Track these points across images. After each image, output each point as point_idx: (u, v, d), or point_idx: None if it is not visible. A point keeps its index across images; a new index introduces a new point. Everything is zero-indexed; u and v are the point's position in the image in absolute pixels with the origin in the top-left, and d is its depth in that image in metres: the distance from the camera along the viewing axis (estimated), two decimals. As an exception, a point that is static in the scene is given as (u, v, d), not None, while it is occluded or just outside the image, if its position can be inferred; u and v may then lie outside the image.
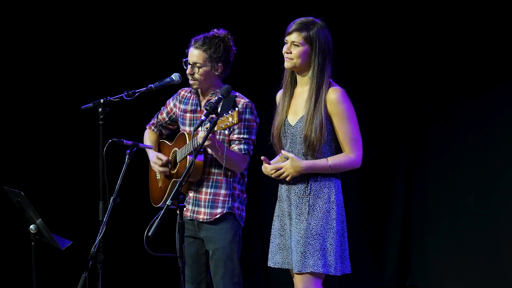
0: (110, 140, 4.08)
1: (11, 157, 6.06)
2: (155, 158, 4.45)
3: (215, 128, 3.88)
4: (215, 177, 4.28)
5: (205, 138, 3.72)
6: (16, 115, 6.11)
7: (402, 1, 6.44)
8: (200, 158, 4.23)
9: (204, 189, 4.29)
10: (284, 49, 3.84)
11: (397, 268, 6.73)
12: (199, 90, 4.34)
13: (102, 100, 4.13)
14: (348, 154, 3.77)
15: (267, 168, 3.86)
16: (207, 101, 4.29)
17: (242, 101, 4.25)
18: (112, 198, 3.98)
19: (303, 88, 3.86)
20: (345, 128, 3.75)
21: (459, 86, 6.23)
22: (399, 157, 6.71)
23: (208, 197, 4.28)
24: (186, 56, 4.29)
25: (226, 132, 4.12)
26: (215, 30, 4.29)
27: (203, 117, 3.78)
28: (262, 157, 3.90)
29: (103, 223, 3.93)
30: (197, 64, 4.23)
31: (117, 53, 6.24)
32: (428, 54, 6.41)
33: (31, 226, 4.22)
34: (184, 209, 4.32)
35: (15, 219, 5.27)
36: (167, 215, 3.51)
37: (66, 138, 6.17)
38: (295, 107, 3.87)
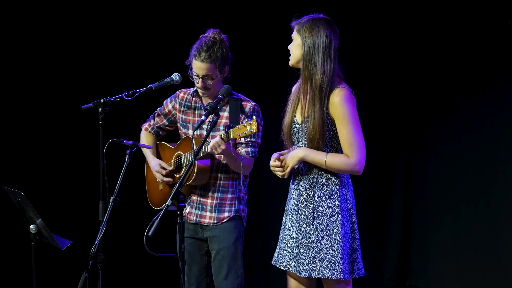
0: (110, 140, 4.07)
1: (11, 157, 6.06)
2: (157, 167, 4.42)
3: (232, 136, 3.88)
4: (221, 181, 4.27)
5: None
6: (16, 115, 6.10)
7: (402, 2, 6.44)
8: (207, 163, 4.21)
9: (210, 194, 4.27)
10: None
11: (397, 268, 6.73)
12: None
13: (102, 100, 4.13)
14: (348, 157, 3.67)
15: (272, 165, 3.79)
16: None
17: (248, 104, 4.23)
18: (112, 198, 3.98)
19: None
20: (344, 132, 3.66)
21: (459, 86, 6.22)
22: (399, 157, 6.71)
23: (214, 201, 4.27)
24: (187, 67, 4.24)
25: (243, 140, 4.12)
26: (206, 34, 4.22)
27: (203, 117, 3.78)
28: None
29: (103, 223, 3.93)
30: (209, 77, 4.19)
31: (117, 53, 6.24)
32: (428, 54, 6.41)
33: (31, 226, 4.22)
34: (187, 212, 4.32)
35: (15, 219, 5.27)
36: (167, 215, 3.51)
37: (66, 138, 6.17)
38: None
